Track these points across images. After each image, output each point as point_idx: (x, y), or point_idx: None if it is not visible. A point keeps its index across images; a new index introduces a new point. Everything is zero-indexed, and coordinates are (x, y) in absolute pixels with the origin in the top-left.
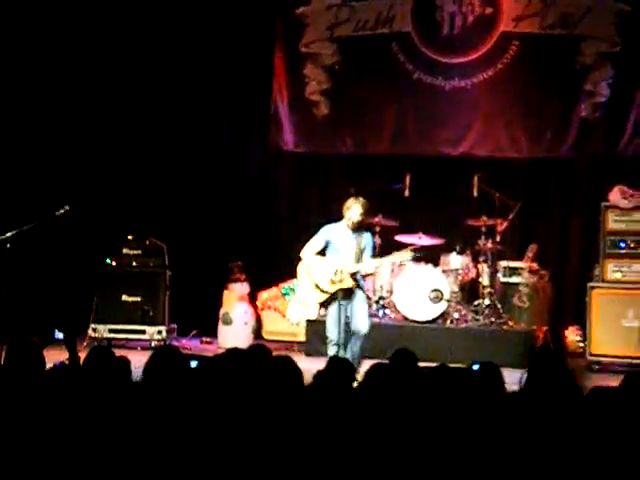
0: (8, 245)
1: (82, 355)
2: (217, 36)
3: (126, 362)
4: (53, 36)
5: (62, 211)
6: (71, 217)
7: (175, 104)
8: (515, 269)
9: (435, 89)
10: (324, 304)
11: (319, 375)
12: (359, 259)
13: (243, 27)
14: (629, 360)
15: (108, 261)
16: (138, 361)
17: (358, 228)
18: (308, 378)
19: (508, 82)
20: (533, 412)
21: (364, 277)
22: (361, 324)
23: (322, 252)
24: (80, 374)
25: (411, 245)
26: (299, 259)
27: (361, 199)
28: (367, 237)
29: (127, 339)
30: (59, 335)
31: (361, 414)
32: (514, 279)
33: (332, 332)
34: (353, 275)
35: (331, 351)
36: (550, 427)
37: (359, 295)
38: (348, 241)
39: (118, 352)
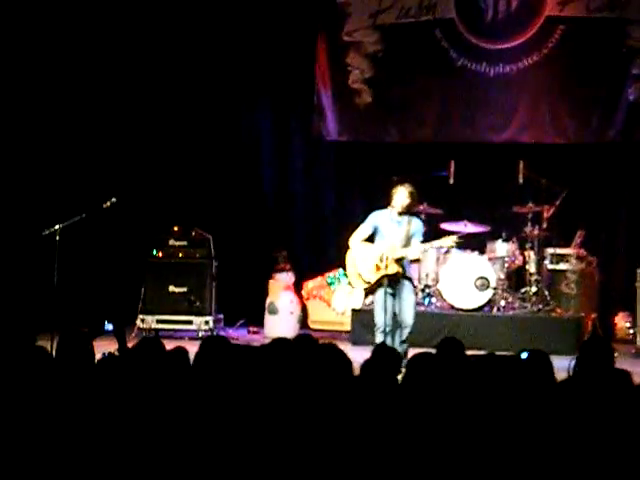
0: (57, 237)
1: (131, 345)
2: (261, 26)
3: (184, 352)
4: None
5: (109, 203)
6: (118, 209)
7: (220, 95)
8: (562, 256)
9: (479, 75)
10: (371, 291)
11: (366, 365)
12: (406, 245)
13: (286, 16)
14: None
15: (155, 252)
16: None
17: (406, 214)
18: (354, 367)
19: (553, 67)
20: (582, 400)
21: (410, 264)
22: (407, 315)
23: (371, 239)
24: (130, 364)
25: (456, 232)
26: (346, 247)
27: (408, 185)
28: (416, 222)
29: (174, 329)
30: (109, 326)
31: (408, 404)
32: (561, 266)
33: (379, 319)
34: (399, 261)
35: (378, 338)
36: (599, 416)
37: (407, 285)
38: (395, 227)
39: (165, 343)
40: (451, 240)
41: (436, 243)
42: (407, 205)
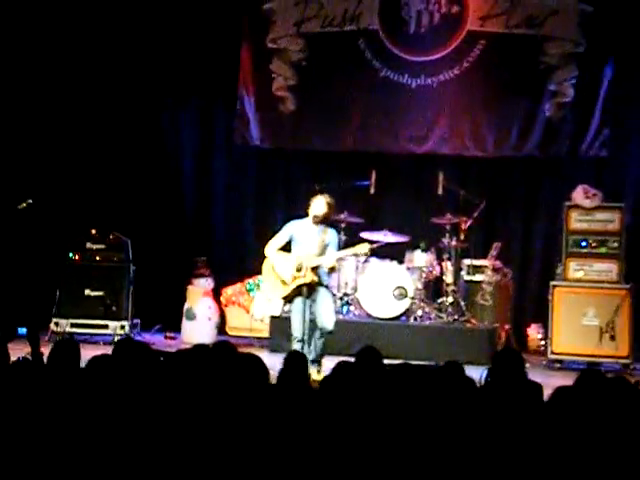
0: None
1: (44, 349)
2: (184, 31)
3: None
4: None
5: (25, 204)
6: (34, 211)
7: (142, 97)
8: (479, 267)
9: (401, 87)
10: (288, 300)
11: (282, 373)
12: (322, 254)
13: (210, 22)
14: (589, 358)
15: (71, 255)
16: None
17: (323, 224)
18: (272, 374)
19: (474, 81)
20: (494, 410)
21: (329, 273)
22: (327, 321)
23: (287, 248)
24: (44, 368)
25: (376, 242)
26: (264, 255)
27: (326, 195)
28: (332, 233)
29: (90, 334)
30: (22, 330)
31: (326, 411)
32: (477, 277)
33: (296, 328)
34: (314, 269)
35: (295, 347)
36: (509, 425)
37: (323, 292)
38: (312, 236)
39: (81, 347)
40: (365, 248)
41: (350, 251)
42: (324, 215)
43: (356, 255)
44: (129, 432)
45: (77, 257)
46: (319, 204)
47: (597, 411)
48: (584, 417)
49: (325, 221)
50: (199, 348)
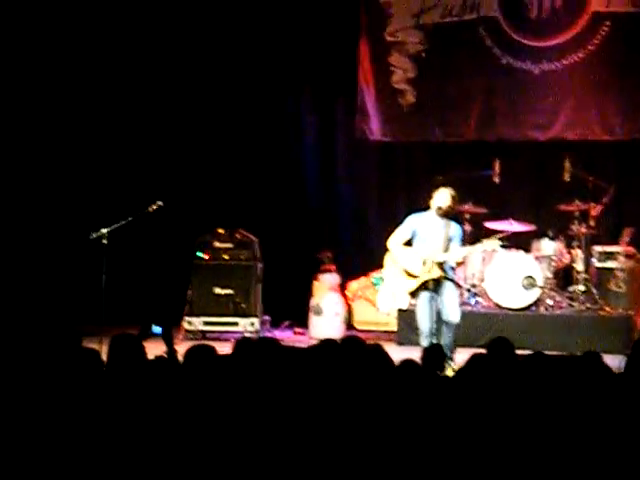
0: (104, 241)
1: (178, 348)
2: (304, 26)
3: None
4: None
5: (155, 207)
6: (164, 212)
7: (265, 96)
8: (610, 253)
9: (524, 73)
10: (414, 294)
11: (408, 364)
12: (447, 248)
13: (328, 17)
14: None
15: (200, 255)
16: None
17: (446, 217)
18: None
19: (599, 63)
20: (634, 400)
21: (454, 267)
22: (452, 314)
23: (409, 242)
24: (180, 367)
25: (501, 232)
26: (387, 249)
27: (450, 188)
28: (455, 227)
29: (221, 331)
30: (156, 329)
31: (459, 404)
32: (609, 264)
33: (423, 323)
34: (441, 265)
35: (424, 342)
36: None
37: (448, 285)
38: (435, 230)
39: (212, 344)
40: (494, 243)
41: (479, 247)
42: (448, 207)
43: (487, 249)
44: (263, 427)
45: (206, 256)
46: (443, 196)
47: None
48: None
49: (448, 214)
50: (328, 343)
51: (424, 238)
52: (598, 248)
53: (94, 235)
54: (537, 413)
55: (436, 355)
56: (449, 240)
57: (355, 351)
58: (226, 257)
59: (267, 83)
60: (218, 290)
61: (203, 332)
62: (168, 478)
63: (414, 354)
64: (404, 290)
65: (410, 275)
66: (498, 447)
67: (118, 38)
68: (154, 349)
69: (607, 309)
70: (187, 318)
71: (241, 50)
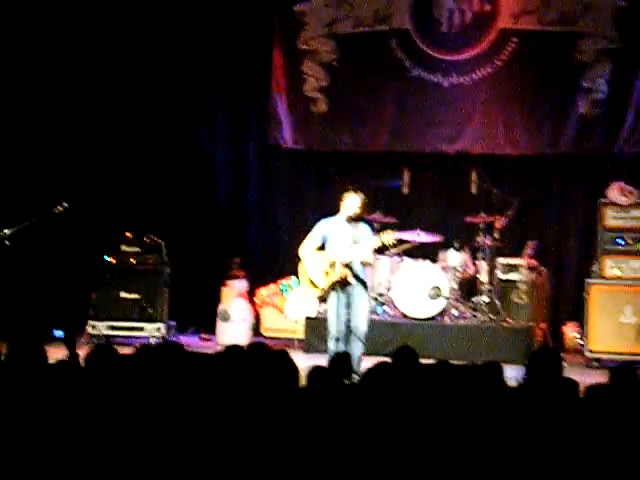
0: (7, 242)
1: (81, 352)
2: (215, 32)
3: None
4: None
5: (60, 208)
6: (69, 214)
7: (175, 100)
8: (514, 266)
9: (434, 86)
10: (323, 298)
11: (315, 371)
12: None
13: (242, 24)
14: (627, 356)
15: (106, 258)
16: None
17: (354, 220)
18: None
19: (506, 79)
20: (531, 409)
21: (364, 267)
22: (360, 322)
23: (322, 248)
24: (80, 371)
25: (408, 242)
26: (298, 257)
27: (359, 192)
28: (363, 227)
29: (126, 336)
30: (58, 333)
31: (363, 411)
32: (513, 276)
33: (332, 325)
34: (347, 265)
35: (331, 345)
36: (547, 424)
37: (360, 292)
38: (344, 233)
39: (117, 349)
40: (390, 236)
41: (376, 240)
42: (357, 213)
43: (384, 246)
44: (162, 434)
45: (112, 260)
46: (353, 202)
47: (631, 408)
48: (618, 415)
49: (357, 218)
50: (234, 349)
51: (333, 241)
52: (502, 260)
53: None
54: (439, 420)
55: (343, 363)
56: (357, 241)
57: (261, 357)
58: (133, 261)
59: (179, 88)
60: (124, 294)
61: (107, 337)
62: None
63: (321, 362)
64: (314, 297)
65: (318, 283)
66: (400, 454)
67: (32, 38)
68: (55, 353)
69: (509, 320)
70: (91, 322)
71: (155, 54)
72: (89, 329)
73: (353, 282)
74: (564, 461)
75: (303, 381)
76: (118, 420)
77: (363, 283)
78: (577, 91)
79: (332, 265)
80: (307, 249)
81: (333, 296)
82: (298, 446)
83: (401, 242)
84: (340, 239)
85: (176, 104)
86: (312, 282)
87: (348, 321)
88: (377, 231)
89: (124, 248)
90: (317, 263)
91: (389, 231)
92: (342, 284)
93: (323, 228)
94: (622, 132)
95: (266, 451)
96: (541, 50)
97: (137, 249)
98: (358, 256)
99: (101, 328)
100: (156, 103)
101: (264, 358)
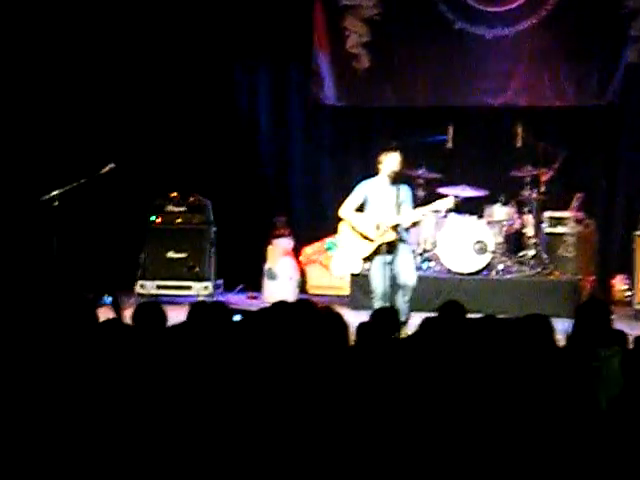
0: (55, 203)
1: (129, 312)
2: None
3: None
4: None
5: (107, 169)
6: (116, 175)
7: (216, 59)
8: (560, 219)
9: (477, 38)
10: (368, 258)
11: (363, 327)
12: (399, 211)
13: None
14: None
15: (153, 218)
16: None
17: (396, 180)
18: (353, 332)
19: (551, 29)
20: (579, 364)
21: (407, 229)
22: (409, 277)
23: (361, 209)
24: (127, 329)
25: (454, 197)
26: (339, 218)
27: (398, 152)
28: (405, 189)
29: (174, 295)
30: (107, 299)
31: (413, 366)
32: (559, 229)
33: (377, 286)
34: (394, 228)
35: (376, 305)
36: (595, 377)
37: (403, 248)
38: (386, 194)
39: (166, 308)
40: (448, 202)
41: (433, 206)
42: (396, 171)
43: (437, 211)
44: (211, 390)
45: (159, 220)
46: (395, 160)
47: None
48: None
49: (398, 177)
50: (280, 306)
51: (375, 203)
52: (548, 213)
53: (45, 197)
54: (488, 375)
55: (388, 317)
56: (400, 204)
57: (308, 313)
58: (179, 221)
59: (221, 46)
60: (171, 254)
61: (156, 296)
62: (118, 445)
63: (366, 318)
64: (358, 255)
65: (366, 238)
66: (450, 410)
67: (69, 18)
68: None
69: (556, 274)
70: (140, 282)
71: (194, 14)
72: (138, 289)
73: (398, 244)
74: (612, 416)
75: (352, 337)
76: (166, 379)
77: (405, 242)
78: (625, 40)
79: (379, 227)
80: (348, 209)
81: (378, 258)
82: (349, 405)
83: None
84: (383, 201)
85: (218, 62)
86: (363, 241)
87: (392, 279)
88: (421, 187)
89: (170, 208)
90: (362, 224)
91: (451, 198)
92: (388, 246)
93: (364, 189)
94: None
95: (318, 408)
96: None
97: (183, 209)
98: (408, 220)
99: (149, 287)
100: (198, 62)
101: (311, 314)
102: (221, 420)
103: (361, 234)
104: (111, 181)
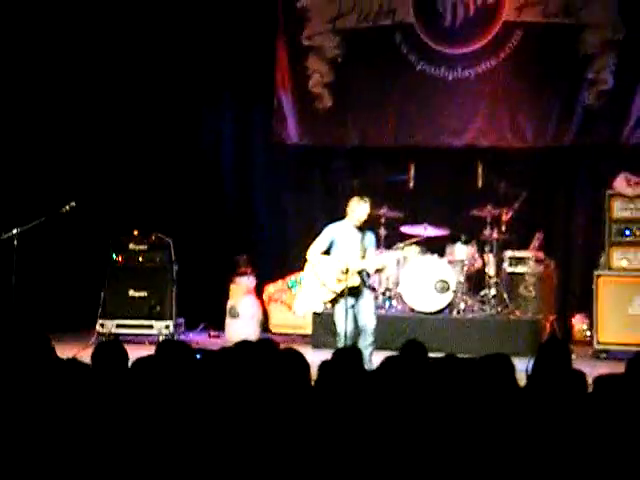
0: (15, 242)
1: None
2: (219, 29)
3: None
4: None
5: (68, 207)
6: (77, 213)
7: (180, 98)
8: (521, 258)
9: (438, 80)
10: (332, 302)
11: (325, 365)
12: (363, 256)
13: (246, 20)
14: (636, 348)
15: (114, 257)
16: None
17: (362, 226)
18: (315, 370)
19: (511, 71)
20: (540, 402)
21: (370, 274)
22: (368, 320)
23: (327, 252)
24: (87, 369)
25: (416, 236)
26: (305, 257)
27: (366, 198)
28: (370, 235)
29: (135, 334)
30: None
31: (373, 405)
32: (520, 268)
33: (340, 327)
34: (360, 273)
35: (340, 345)
36: (557, 417)
37: (366, 292)
38: (353, 239)
39: (126, 347)
40: (410, 249)
41: (396, 254)
42: (364, 220)
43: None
44: (169, 431)
45: (120, 258)
46: (363, 210)
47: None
48: (629, 405)
49: (364, 226)
50: (241, 345)
51: (341, 247)
52: (509, 253)
53: (5, 236)
54: (447, 414)
55: (351, 355)
56: (366, 248)
57: (269, 353)
58: (140, 259)
59: (184, 86)
60: (132, 292)
61: (116, 335)
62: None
63: (329, 356)
64: (322, 298)
65: (328, 286)
66: (409, 448)
67: (37, 37)
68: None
69: (517, 313)
70: (100, 320)
71: (160, 53)
72: (98, 327)
73: (362, 289)
74: (571, 453)
75: (313, 376)
76: (123, 419)
77: (371, 287)
78: (582, 83)
79: (344, 271)
80: (316, 252)
81: (342, 301)
82: (309, 442)
83: (410, 237)
84: (349, 245)
85: (182, 101)
86: (325, 285)
87: (356, 322)
88: (383, 225)
89: (132, 246)
90: (328, 267)
91: (409, 244)
92: (352, 290)
93: (333, 232)
94: (627, 123)
95: (277, 446)
96: (545, 42)
97: (145, 247)
98: (373, 265)
99: (110, 326)
100: (162, 101)
101: (273, 354)
102: (176, 462)
103: (332, 270)
104: (72, 219)
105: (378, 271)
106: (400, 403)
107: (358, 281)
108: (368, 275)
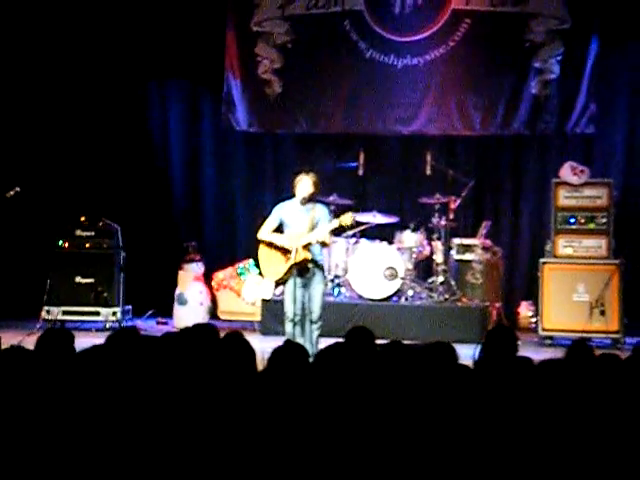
0: None
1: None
2: (170, 12)
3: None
4: None
5: (13, 192)
6: (22, 198)
7: (128, 82)
8: (468, 246)
9: (387, 67)
10: (282, 282)
11: (276, 351)
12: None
13: (195, 5)
14: (580, 334)
15: (60, 243)
16: (92, 343)
17: (310, 202)
18: (264, 357)
19: (459, 60)
20: (486, 386)
21: (322, 247)
22: (315, 305)
23: (279, 231)
24: (33, 355)
25: (365, 223)
26: (256, 240)
27: (311, 173)
28: (321, 208)
29: (81, 321)
30: None
31: (316, 392)
32: (467, 256)
33: (288, 308)
34: (306, 247)
35: (287, 327)
36: (502, 400)
37: (317, 275)
38: (301, 216)
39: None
40: (349, 218)
41: (335, 222)
42: (310, 194)
43: (342, 227)
44: (123, 417)
45: (67, 245)
46: (305, 184)
47: (583, 382)
48: (571, 389)
49: (312, 199)
50: (184, 331)
51: (290, 225)
52: (457, 240)
53: None
54: (393, 400)
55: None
56: (315, 223)
57: (211, 339)
58: (87, 245)
59: (132, 71)
60: (79, 279)
61: (62, 322)
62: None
63: (278, 344)
64: (273, 278)
65: (287, 252)
66: (354, 435)
67: None
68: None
69: (464, 300)
70: (46, 307)
71: (108, 34)
72: (44, 314)
73: (311, 266)
74: (518, 438)
75: (262, 363)
76: (69, 406)
77: (320, 267)
78: (529, 72)
79: (290, 248)
80: (265, 233)
81: (291, 280)
82: (255, 429)
83: (358, 224)
84: (297, 222)
85: (130, 86)
86: (271, 267)
87: (304, 304)
88: (334, 213)
89: (79, 232)
90: (275, 246)
91: (349, 213)
92: (301, 268)
93: (280, 212)
94: (574, 112)
95: (221, 431)
96: (493, 31)
97: (92, 233)
98: (316, 238)
99: (56, 313)
100: (110, 86)
101: (215, 340)
102: (123, 446)
103: (281, 248)
104: (17, 205)
105: (324, 244)
106: (344, 389)
107: (303, 256)
108: (320, 250)
